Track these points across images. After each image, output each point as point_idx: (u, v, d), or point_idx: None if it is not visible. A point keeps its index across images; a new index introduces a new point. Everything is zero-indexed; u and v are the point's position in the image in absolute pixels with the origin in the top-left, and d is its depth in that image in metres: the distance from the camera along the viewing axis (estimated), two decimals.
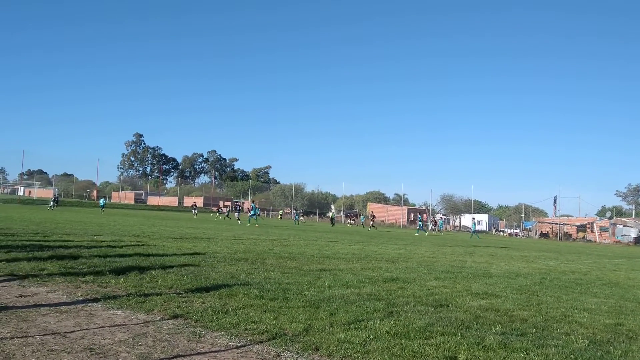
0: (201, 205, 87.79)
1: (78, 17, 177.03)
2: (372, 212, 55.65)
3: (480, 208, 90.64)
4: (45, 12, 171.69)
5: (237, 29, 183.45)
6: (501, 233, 67.29)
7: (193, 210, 51.21)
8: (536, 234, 63.11)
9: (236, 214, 38.38)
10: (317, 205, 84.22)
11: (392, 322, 4.41)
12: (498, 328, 4.51)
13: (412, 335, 3.99)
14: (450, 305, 5.59)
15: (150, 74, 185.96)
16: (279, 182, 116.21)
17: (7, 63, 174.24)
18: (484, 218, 76.92)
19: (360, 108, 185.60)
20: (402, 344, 3.74)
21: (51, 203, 43.35)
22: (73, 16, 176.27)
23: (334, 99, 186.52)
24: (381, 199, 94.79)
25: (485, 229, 70.86)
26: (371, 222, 45.09)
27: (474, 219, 52.66)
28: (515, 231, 67.20)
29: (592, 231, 60.39)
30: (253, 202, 38.82)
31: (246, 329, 3.87)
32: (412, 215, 78.36)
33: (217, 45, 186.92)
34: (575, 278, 9.73)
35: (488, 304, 5.87)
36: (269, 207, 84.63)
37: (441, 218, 67.83)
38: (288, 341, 3.62)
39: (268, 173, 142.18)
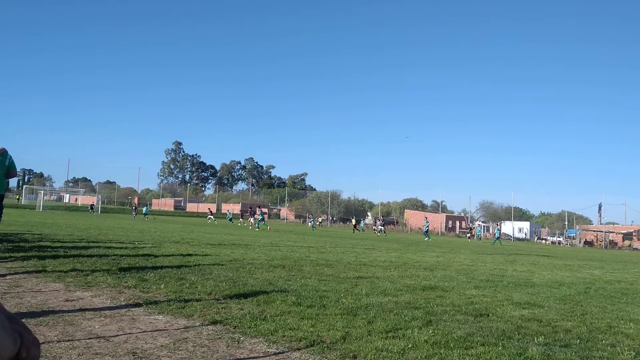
0: (238, 211, 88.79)
1: (117, 25, 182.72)
2: (382, 217, 55.15)
3: (521, 215, 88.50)
4: (87, 27, 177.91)
5: (273, 35, 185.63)
6: (543, 241, 65.55)
7: (210, 217, 51.62)
8: (580, 242, 61.22)
9: (251, 219, 39.05)
10: (353, 212, 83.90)
11: (430, 331, 4.35)
12: (541, 339, 4.39)
13: (451, 345, 3.93)
14: (490, 314, 5.48)
15: (188, 83, 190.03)
16: (315, 189, 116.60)
17: (56, 78, 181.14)
18: (525, 226, 75.12)
19: (397, 114, 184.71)
20: (441, 353, 3.68)
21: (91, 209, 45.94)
22: (112, 24, 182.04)
23: (370, 105, 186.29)
24: (418, 205, 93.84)
25: (527, 237, 69.19)
26: (381, 227, 44.50)
27: (497, 225, 51.65)
28: (558, 239, 65.33)
29: (638, 239, 58.14)
30: (259, 207, 39.88)
31: (284, 336, 3.89)
32: (450, 222, 77.28)
33: (255, 53, 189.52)
34: (621, 288, 9.38)
35: (530, 314, 5.72)
36: (305, 214, 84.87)
37: (479, 225, 66.61)
38: (326, 349, 3.62)
39: (304, 180, 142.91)
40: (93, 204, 55.03)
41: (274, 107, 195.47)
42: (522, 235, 71.09)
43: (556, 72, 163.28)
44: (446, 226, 73.66)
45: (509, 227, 72.03)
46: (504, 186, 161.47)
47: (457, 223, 76.75)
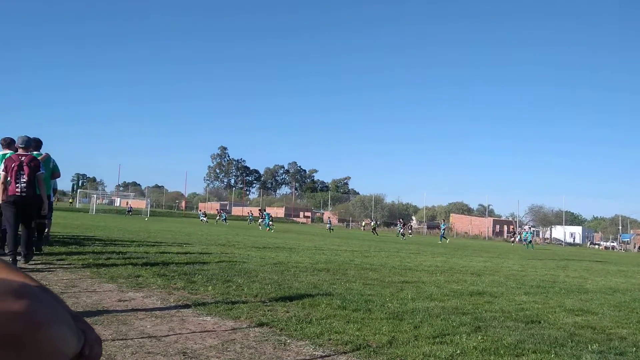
0: (282, 215, 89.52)
1: (161, 35, 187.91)
2: (402, 220, 54.52)
3: (572, 220, 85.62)
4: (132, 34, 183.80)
5: (317, 39, 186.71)
6: (596, 246, 63.18)
7: (219, 217, 52.17)
8: (635, 247, 58.63)
9: (260, 220, 40.73)
10: (397, 216, 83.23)
11: (479, 337, 4.26)
12: (595, 346, 4.22)
13: (501, 352, 3.83)
14: (542, 321, 5.31)
15: (233, 89, 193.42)
16: (358, 193, 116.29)
17: (108, 89, 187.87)
18: (577, 230, 72.64)
19: (442, 114, 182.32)
20: None
21: (127, 212, 47.99)
22: (158, 34, 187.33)
23: (415, 106, 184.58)
24: (464, 209, 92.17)
25: (579, 242, 66.80)
26: (401, 230, 43.92)
27: (530, 227, 50.34)
28: (612, 244, 62.82)
29: None
30: (264, 210, 41.54)
31: (330, 339, 3.89)
32: (497, 226, 75.54)
33: (301, 59, 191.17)
34: None
35: (583, 320, 5.52)
36: (349, 218, 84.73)
37: (527, 230, 64.78)
38: (372, 353, 3.60)
39: (347, 184, 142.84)
40: (131, 207, 56.81)
41: (316, 112, 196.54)
42: (574, 240, 68.70)
43: (611, 78, 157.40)
44: (493, 230, 71.98)
45: (560, 232, 69.76)
46: (554, 190, 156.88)
47: (505, 227, 74.86)
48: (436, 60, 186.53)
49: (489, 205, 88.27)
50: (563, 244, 62.64)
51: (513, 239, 48.90)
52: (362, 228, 50.77)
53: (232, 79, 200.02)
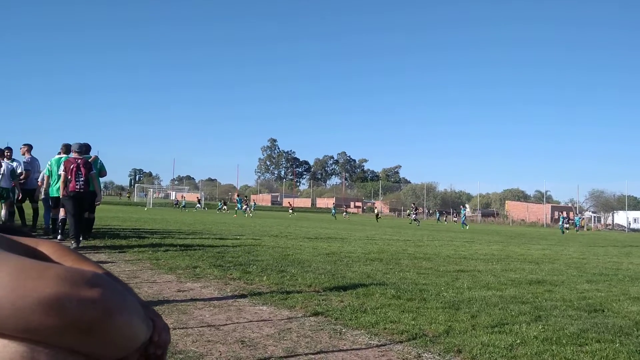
0: (332, 205, 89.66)
1: (210, 25, 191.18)
2: (414, 204, 53.35)
3: (636, 204, 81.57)
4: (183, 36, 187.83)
5: (367, 30, 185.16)
6: None
7: (222, 206, 52.63)
8: None
9: (245, 207, 43.82)
10: (450, 204, 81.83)
11: (540, 327, 4.13)
12: None
13: (563, 342, 3.71)
14: (605, 310, 5.11)
15: (281, 81, 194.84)
16: (409, 182, 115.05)
17: (158, 86, 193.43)
18: None
19: (495, 99, 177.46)
20: (552, 350, 3.49)
21: (183, 204, 50.05)
22: (206, 23, 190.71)
23: (466, 89, 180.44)
24: (520, 196, 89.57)
25: None
26: (414, 215, 43.16)
27: (562, 213, 48.65)
28: None
29: None
30: (239, 196, 43.25)
31: (385, 329, 3.88)
32: (556, 213, 73.02)
33: (347, 48, 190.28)
34: None
35: None
36: (400, 208, 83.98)
37: (581, 215, 62.26)
38: (429, 342, 3.56)
39: (398, 173, 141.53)
40: (178, 200, 58.40)
41: (365, 101, 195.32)
42: (637, 226, 65.53)
43: None
44: (552, 217, 69.63)
45: (623, 217, 66.70)
46: (616, 174, 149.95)
47: (564, 214, 72.32)
48: (488, 41, 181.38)
49: (546, 192, 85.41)
50: (626, 229, 59.81)
51: (567, 225, 47.26)
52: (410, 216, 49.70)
53: (280, 69, 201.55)
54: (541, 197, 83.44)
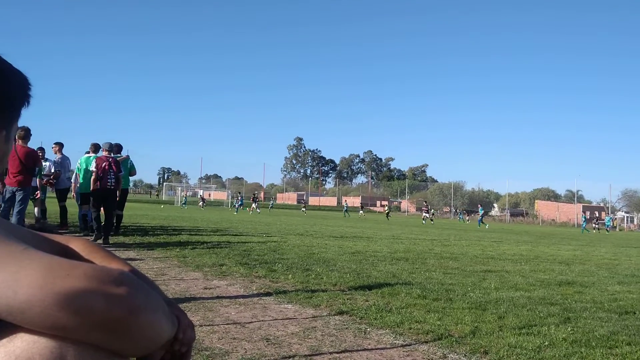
0: (359, 204, 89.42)
1: (242, 29, 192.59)
2: (425, 201, 53.24)
3: None
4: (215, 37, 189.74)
5: (395, 31, 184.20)
6: None
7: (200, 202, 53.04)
8: None
9: (254, 205, 44.16)
10: (477, 203, 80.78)
11: (569, 329, 4.05)
12: None
13: (593, 344, 3.63)
14: (637, 312, 4.97)
15: (308, 80, 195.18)
16: (436, 181, 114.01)
17: (190, 84, 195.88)
18: None
19: (523, 99, 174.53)
20: (581, 352, 3.42)
21: (200, 203, 52.38)
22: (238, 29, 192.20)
23: (491, 89, 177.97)
24: (551, 196, 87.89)
25: None
26: (425, 214, 43.02)
27: (584, 212, 47.86)
28: None
29: None
30: (239, 193, 48.02)
31: (410, 328, 3.86)
32: (587, 213, 71.54)
33: (373, 48, 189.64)
34: None
35: None
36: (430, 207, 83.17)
37: (613, 215, 60.66)
38: (454, 342, 3.53)
39: (425, 172, 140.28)
40: (205, 198, 59.22)
41: (391, 100, 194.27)
42: None
43: None
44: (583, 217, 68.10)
45: None
46: None
47: (596, 214, 70.67)
48: (516, 46, 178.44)
49: (577, 191, 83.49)
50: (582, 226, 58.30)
51: (596, 225, 46.25)
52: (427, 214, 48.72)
53: (305, 70, 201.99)
54: (572, 197, 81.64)
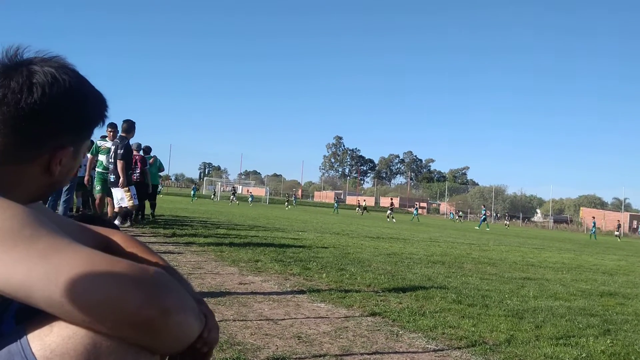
0: (397, 205, 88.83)
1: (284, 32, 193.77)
2: (392, 200, 54.51)
3: None
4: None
5: (440, 27, 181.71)
6: None
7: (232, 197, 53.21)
8: None
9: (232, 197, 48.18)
10: (520, 209, 78.94)
11: (608, 341, 3.92)
12: None
13: (632, 358, 3.51)
14: None
15: (349, 80, 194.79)
16: (477, 184, 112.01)
17: (233, 83, 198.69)
18: None
19: (569, 103, 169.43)
20: None
21: (232, 197, 53.13)
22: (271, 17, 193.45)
23: (538, 91, 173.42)
24: (597, 203, 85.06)
25: None
26: (389, 212, 42.73)
27: (593, 218, 46.75)
28: None
29: None
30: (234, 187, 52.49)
31: (443, 333, 3.81)
32: (634, 222, 68.89)
33: (415, 45, 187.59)
34: None
35: None
36: (467, 210, 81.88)
37: None
38: (488, 350, 3.46)
39: (466, 174, 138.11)
40: (235, 193, 59.95)
41: (433, 101, 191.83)
42: None
43: None
44: (629, 226, 65.69)
45: None
46: None
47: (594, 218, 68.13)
48: (564, 50, 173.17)
49: (625, 199, 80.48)
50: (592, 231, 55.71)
51: (618, 232, 44.73)
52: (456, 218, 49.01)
53: (347, 71, 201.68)
54: (619, 205, 78.77)
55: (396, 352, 3.29)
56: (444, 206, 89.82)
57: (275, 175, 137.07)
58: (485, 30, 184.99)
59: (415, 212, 53.82)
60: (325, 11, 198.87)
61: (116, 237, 1.14)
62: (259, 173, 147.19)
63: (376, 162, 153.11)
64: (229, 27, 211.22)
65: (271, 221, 18.28)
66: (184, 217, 15.71)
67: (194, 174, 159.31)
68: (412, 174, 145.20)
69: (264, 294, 4.79)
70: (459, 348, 3.49)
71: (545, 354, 3.44)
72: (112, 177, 8.99)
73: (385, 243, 12.24)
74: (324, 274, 6.14)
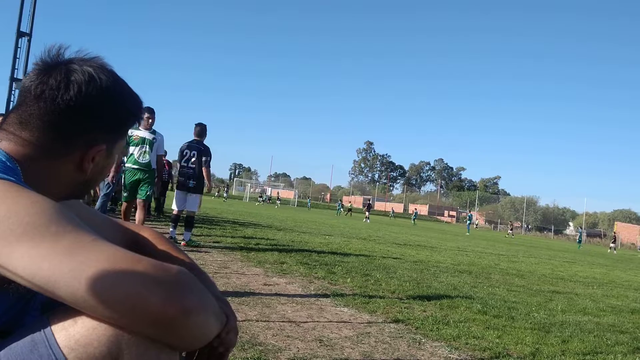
0: (426, 213, 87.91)
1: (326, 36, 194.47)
2: (369, 200, 56.06)
3: None
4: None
5: (470, 32, 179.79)
6: None
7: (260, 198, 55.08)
8: None
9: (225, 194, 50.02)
10: (552, 221, 77.20)
11: (637, 359, 3.82)
12: None
13: None
14: None
15: (382, 86, 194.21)
16: (508, 194, 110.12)
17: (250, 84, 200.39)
18: None
19: (605, 113, 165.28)
20: None
21: (261, 199, 55.48)
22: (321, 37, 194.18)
23: (573, 98, 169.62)
24: (632, 218, 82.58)
25: None
26: (366, 212, 42.78)
27: (614, 233, 45.55)
28: None
29: None
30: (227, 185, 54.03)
31: (467, 344, 3.77)
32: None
33: (450, 47, 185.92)
34: None
35: None
36: (497, 220, 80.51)
37: None
38: None
39: (497, 184, 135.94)
40: (262, 194, 60.62)
41: (466, 108, 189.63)
42: None
43: None
44: None
45: None
46: None
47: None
48: (602, 58, 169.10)
49: None
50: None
51: (613, 245, 43.01)
52: (508, 232, 48.05)
53: (380, 76, 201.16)
54: None
55: None
56: (475, 215, 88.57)
57: (305, 178, 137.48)
58: (525, 36, 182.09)
59: (414, 216, 56.76)
60: (362, 12, 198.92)
61: (146, 233, 1.17)
62: (288, 175, 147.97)
63: (406, 168, 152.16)
64: (265, 25, 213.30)
65: (299, 224, 18.34)
66: (213, 217, 15.91)
67: (225, 175, 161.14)
68: (443, 181, 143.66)
69: (287, 295, 4.82)
70: (482, 359, 3.45)
71: None
72: (191, 183, 8.33)
73: (412, 250, 12.16)
74: (349, 279, 6.14)
